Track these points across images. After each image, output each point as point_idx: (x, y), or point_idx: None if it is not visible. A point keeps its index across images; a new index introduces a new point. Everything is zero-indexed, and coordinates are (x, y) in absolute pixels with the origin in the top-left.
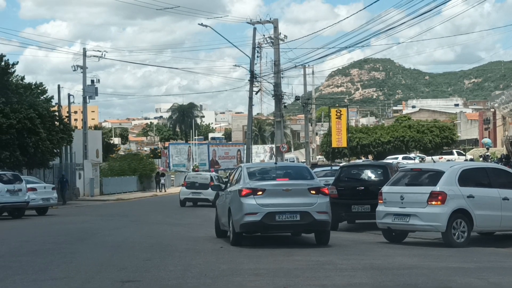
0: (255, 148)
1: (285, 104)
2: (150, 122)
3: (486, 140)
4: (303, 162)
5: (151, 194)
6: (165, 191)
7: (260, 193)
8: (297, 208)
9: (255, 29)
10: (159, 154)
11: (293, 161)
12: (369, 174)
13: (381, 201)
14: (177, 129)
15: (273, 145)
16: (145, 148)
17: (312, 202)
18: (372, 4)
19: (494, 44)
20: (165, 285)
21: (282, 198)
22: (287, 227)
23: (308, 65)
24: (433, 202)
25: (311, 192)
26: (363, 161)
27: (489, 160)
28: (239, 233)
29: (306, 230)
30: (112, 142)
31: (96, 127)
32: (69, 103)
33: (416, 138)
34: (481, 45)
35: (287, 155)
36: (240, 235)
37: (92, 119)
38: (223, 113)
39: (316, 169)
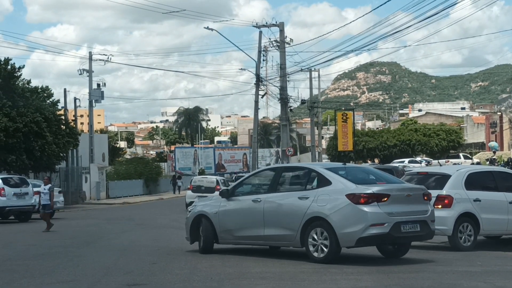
0: (261, 151)
1: (291, 108)
2: (156, 126)
3: (493, 143)
4: None
5: (157, 197)
6: (179, 193)
7: (385, 199)
8: (417, 216)
9: (261, 32)
10: (165, 158)
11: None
12: None
13: None
14: (183, 133)
15: (279, 149)
16: (151, 152)
17: (426, 210)
18: (379, 7)
19: (502, 47)
20: None
21: (404, 205)
22: (408, 239)
23: (314, 69)
24: (440, 206)
25: (425, 198)
26: (369, 164)
27: (496, 164)
28: (336, 250)
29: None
30: (118, 145)
31: (102, 131)
32: (75, 107)
33: (423, 142)
34: (489, 48)
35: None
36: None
37: (98, 122)
38: (229, 116)
39: None
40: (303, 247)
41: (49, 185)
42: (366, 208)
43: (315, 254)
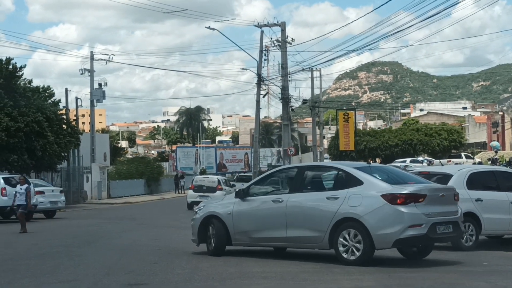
0: (262, 151)
1: (293, 107)
2: (158, 126)
3: (495, 143)
4: None
5: (159, 197)
6: (184, 192)
7: (422, 200)
8: (450, 217)
9: (262, 32)
10: (167, 158)
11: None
12: None
13: None
14: (184, 133)
15: (281, 148)
16: (153, 152)
17: (456, 210)
18: (381, 6)
19: (504, 47)
20: None
21: (439, 206)
22: (442, 240)
23: (316, 68)
24: None
25: (455, 198)
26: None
27: (498, 164)
28: (370, 251)
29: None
30: (119, 145)
31: (103, 131)
32: (77, 107)
33: (424, 141)
34: (491, 47)
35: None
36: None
37: (100, 122)
38: (231, 116)
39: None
40: (331, 249)
41: (26, 185)
42: (404, 209)
43: (346, 256)
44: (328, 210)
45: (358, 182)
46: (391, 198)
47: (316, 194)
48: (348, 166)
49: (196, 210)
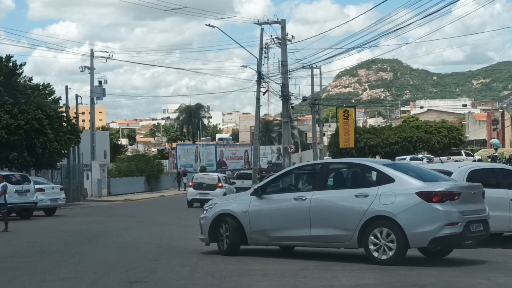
0: (262, 148)
1: (293, 105)
2: (158, 123)
3: (495, 140)
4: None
5: (159, 194)
6: (186, 189)
7: (457, 197)
8: (480, 215)
9: (262, 29)
10: (167, 155)
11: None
12: None
13: None
14: (185, 130)
15: (281, 146)
16: (153, 149)
17: (485, 208)
18: (380, 3)
19: (504, 44)
20: (173, 286)
21: (471, 204)
22: (475, 239)
23: (316, 66)
24: None
25: (483, 196)
26: None
27: (498, 161)
28: (404, 250)
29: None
30: (119, 143)
31: (103, 128)
32: (77, 104)
33: (424, 139)
34: (491, 45)
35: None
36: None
37: (100, 120)
38: (231, 113)
39: None
40: (360, 248)
41: (3, 183)
42: (440, 207)
43: (377, 255)
44: (358, 208)
45: (389, 180)
46: (427, 196)
47: (343, 191)
48: (375, 163)
49: (207, 208)
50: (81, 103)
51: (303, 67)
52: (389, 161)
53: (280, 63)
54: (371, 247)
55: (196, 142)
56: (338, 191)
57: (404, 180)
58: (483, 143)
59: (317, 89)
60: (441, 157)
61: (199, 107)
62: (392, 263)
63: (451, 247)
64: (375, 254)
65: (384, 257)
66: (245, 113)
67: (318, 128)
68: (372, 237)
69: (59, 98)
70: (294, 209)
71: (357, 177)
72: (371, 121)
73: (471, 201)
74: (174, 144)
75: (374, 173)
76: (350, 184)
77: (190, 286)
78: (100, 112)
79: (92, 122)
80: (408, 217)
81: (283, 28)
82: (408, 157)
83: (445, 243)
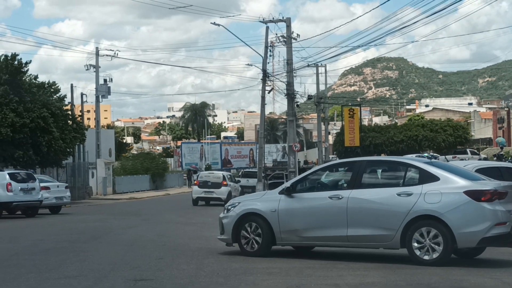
0: (267, 147)
1: (298, 103)
2: (163, 121)
3: (500, 139)
4: (313, 162)
5: (164, 193)
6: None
7: (504, 197)
8: None
9: (267, 28)
10: (172, 153)
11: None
12: None
13: None
14: (190, 128)
15: (286, 144)
16: (158, 147)
17: None
18: (386, 1)
19: (510, 43)
20: (178, 284)
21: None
22: None
23: (321, 64)
24: None
25: None
26: None
27: (503, 159)
28: (451, 250)
29: None
30: (124, 141)
31: (108, 126)
32: (82, 102)
33: (430, 137)
34: (497, 43)
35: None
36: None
37: (105, 118)
38: (236, 112)
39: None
40: (403, 248)
41: None
42: (490, 206)
43: (421, 255)
44: (400, 207)
45: (433, 178)
46: (476, 195)
47: (384, 190)
48: (417, 161)
49: (229, 207)
50: (86, 101)
51: (308, 66)
52: (423, 159)
53: (285, 61)
54: (415, 247)
55: (201, 141)
56: (378, 189)
57: (450, 178)
58: (488, 142)
59: (322, 87)
60: (446, 156)
61: (204, 105)
62: (437, 264)
63: (484, 247)
64: (420, 254)
65: (426, 257)
66: (250, 112)
67: (323, 127)
68: (416, 237)
69: (65, 96)
70: (330, 208)
71: (397, 176)
72: (377, 120)
73: (510, 201)
74: (179, 143)
75: (417, 171)
76: (390, 182)
77: (195, 284)
78: (105, 111)
79: (97, 120)
80: (456, 216)
81: (289, 27)
82: (413, 155)
83: (493, 243)
